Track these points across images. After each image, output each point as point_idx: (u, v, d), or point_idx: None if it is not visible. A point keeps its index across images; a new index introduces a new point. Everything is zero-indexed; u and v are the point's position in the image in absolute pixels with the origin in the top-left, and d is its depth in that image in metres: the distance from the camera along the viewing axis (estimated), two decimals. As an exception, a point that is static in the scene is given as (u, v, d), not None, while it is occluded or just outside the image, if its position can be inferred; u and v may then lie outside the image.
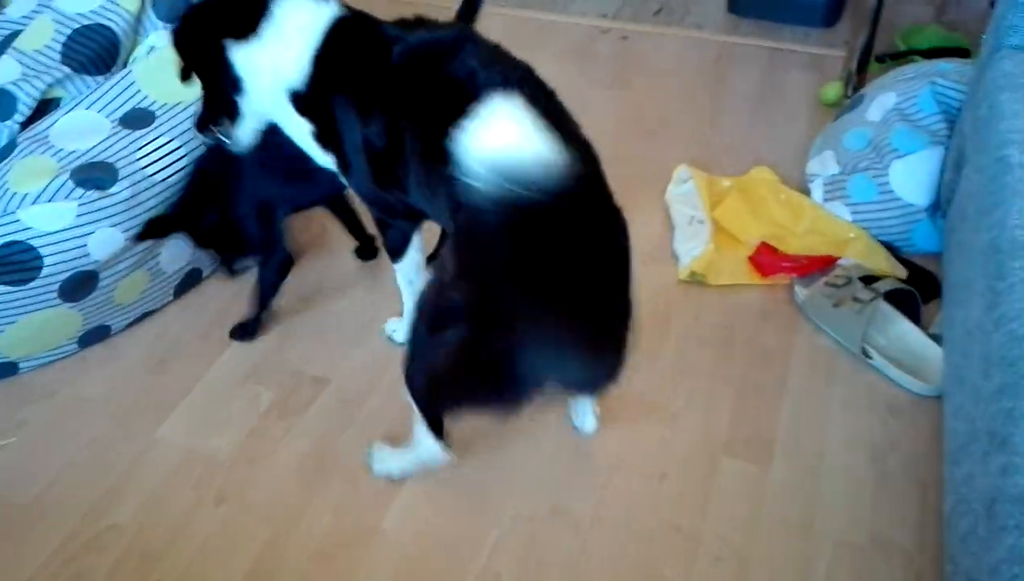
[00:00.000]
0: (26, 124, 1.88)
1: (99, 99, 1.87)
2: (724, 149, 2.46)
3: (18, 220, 1.71)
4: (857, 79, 2.55)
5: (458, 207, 1.35)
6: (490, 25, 3.00)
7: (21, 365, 1.85)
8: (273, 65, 1.54)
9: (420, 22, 1.53)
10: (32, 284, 1.72)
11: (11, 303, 1.73)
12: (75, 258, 1.74)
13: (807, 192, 2.19)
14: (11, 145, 1.84)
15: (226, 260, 2.04)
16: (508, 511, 1.60)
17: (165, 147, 1.86)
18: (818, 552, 1.51)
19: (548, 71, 2.80)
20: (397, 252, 1.75)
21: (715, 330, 1.92)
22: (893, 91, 2.13)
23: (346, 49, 1.51)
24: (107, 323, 1.91)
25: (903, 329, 1.82)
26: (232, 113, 1.63)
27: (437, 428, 1.55)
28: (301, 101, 1.55)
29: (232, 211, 1.86)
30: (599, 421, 1.72)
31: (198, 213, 1.88)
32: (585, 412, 1.71)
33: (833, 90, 2.58)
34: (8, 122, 1.87)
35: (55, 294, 1.75)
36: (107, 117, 1.86)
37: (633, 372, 1.82)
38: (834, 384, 1.80)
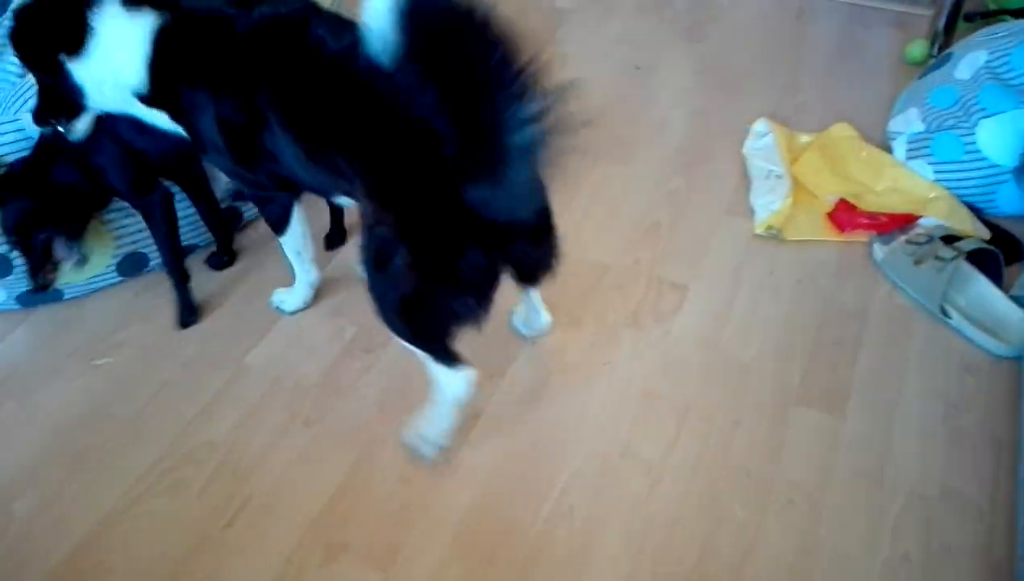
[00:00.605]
0: None
1: None
2: (803, 105, 2.44)
3: (31, 136, 1.78)
4: (944, 38, 2.50)
5: (356, 158, 1.41)
6: (568, -25, 3.02)
7: (66, 292, 1.94)
8: (111, 75, 1.58)
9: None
10: None
11: None
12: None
13: (888, 150, 2.17)
14: None
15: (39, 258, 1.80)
16: (580, 450, 1.64)
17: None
18: (889, 501, 1.53)
19: (625, 23, 2.82)
20: (279, 226, 1.79)
21: (790, 285, 1.93)
22: (984, 49, 2.09)
23: (183, 45, 1.54)
24: (142, 251, 1.97)
25: (984, 290, 1.81)
26: (75, 111, 1.66)
27: (446, 355, 1.54)
28: (148, 99, 1.60)
29: (93, 158, 1.77)
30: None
31: (48, 166, 1.76)
32: (537, 310, 1.77)
33: (918, 48, 2.54)
34: None
35: None
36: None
37: (706, 321, 1.87)
38: (911, 341, 1.80)
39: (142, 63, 1.55)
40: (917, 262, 1.86)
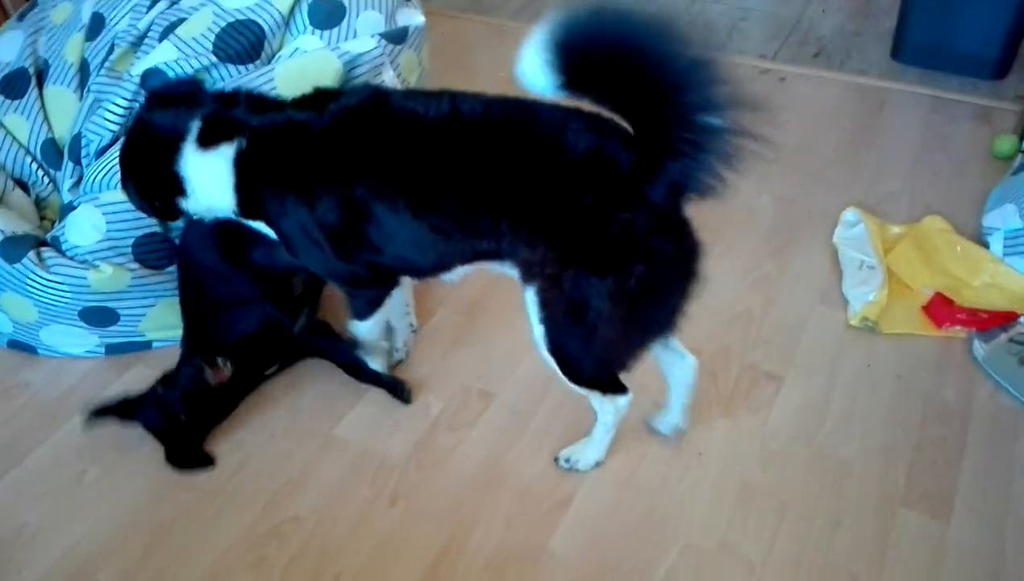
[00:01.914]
0: None
1: None
2: (889, 196, 2.41)
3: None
4: (1034, 133, 2.47)
5: (519, 213, 1.40)
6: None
7: (154, 343, 1.98)
8: (211, 205, 1.60)
9: (324, 94, 1.54)
10: (169, 269, 1.87)
11: (156, 284, 1.88)
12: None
13: (983, 244, 2.13)
14: None
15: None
16: (676, 542, 1.59)
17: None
18: (1004, 615, 1.46)
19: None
20: (364, 314, 1.73)
21: (889, 379, 1.88)
22: (1085, 147, 2.06)
23: (264, 162, 1.53)
24: None
25: (1094, 393, 1.75)
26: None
27: (620, 384, 1.59)
28: (243, 214, 1.60)
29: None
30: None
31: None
32: (681, 354, 1.66)
33: (1007, 143, 2.50)
34: None
35: None
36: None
37: (803, 413, 1.82)
38: (1017, 444, 1.73)
39: (231, 191, 1.56)
40: (1022, 362, 1.81)
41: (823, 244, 2.23)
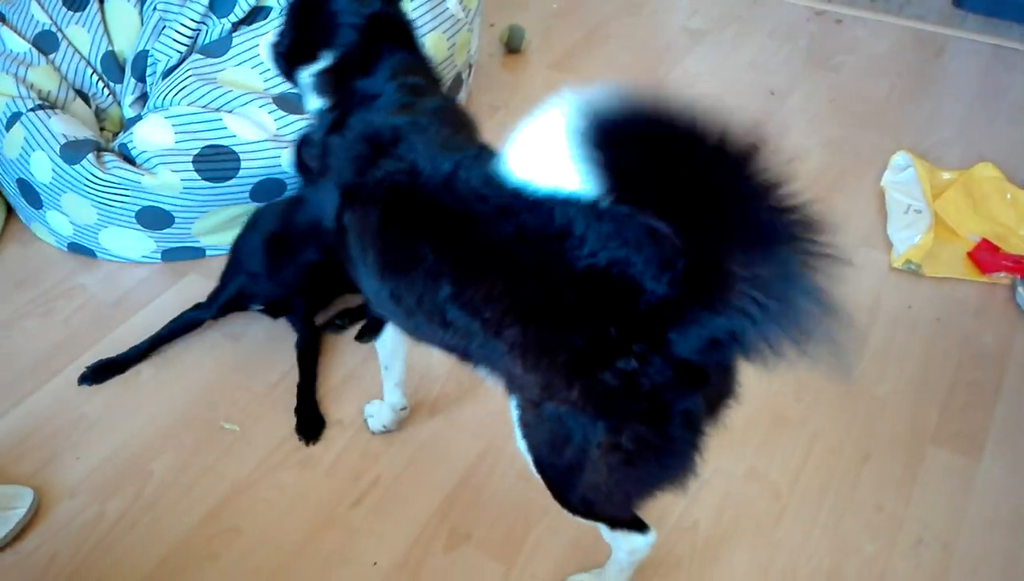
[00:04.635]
0: (238, 25, 2.04)
1: None
2: (941, 141, 2.38)
3: (224, 127, 1.89)
4: (1096, 84, 2.42)
5: (504, 319, 1.11)
6: (701, 1, 3.01)
7: (208, 251, 2.04)
8: None
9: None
10: (228, 183, 1.91)
11: (209, 196, 1.93)
12: (268, 167, 1.93)
13: (1034, 194, 2.11)
14: (226, 42, 2.02)
15: None
16: (707, 465, 1.61)
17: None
18: (1027, 553, 1.48)
19: (758, 48, 2.80)
20: (376, 326, 1.55)
21: (928, 321, 1.88)
22: None
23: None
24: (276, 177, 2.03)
25: None
26: None
27: (636, 521, 1.31)
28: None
29: None
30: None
31: None
32: None
33: (1067, 94, 2.46)
34: (223, 20, 2.04)
35: (247, 195, 1.95)
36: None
37: (840, 351, 1.83)
38: (1054, 390, 1.75)
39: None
40: (1065, 309, 1.80)
41: (871, 187, 2.22)
